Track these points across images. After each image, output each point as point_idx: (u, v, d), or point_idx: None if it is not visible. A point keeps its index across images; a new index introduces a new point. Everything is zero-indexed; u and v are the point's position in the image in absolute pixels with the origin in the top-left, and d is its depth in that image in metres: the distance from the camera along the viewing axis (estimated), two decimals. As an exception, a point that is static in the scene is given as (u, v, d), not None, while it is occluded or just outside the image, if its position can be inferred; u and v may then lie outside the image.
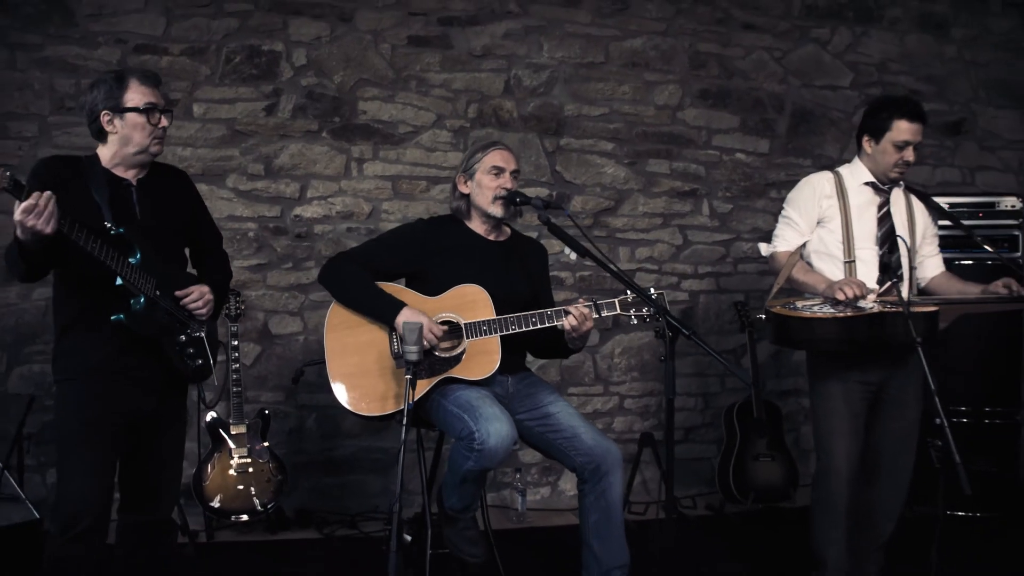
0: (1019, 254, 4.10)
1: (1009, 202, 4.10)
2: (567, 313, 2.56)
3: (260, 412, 3.73)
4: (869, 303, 2.61)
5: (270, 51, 4.01)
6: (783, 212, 2.91)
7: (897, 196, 2.86)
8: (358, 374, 2.59)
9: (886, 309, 2.56)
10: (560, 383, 4.29)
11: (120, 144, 2.36)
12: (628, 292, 2.58)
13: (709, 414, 4.50)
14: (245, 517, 3.57)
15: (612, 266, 2.46)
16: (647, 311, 2.57)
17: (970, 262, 4.08)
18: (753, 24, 4.65)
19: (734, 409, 4.10)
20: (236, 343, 3.64)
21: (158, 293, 2.32)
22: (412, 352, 2.33)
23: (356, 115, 4.11)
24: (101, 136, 2.38)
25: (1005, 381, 4.13)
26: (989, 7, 5.15)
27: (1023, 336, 4.18)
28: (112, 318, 2.23)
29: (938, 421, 2.30)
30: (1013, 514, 4.01)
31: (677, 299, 4.49)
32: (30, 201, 2.01)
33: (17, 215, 2.03)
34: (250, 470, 3.61)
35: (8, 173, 2.01)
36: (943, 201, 4.13)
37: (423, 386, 2.55)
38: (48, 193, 2.04)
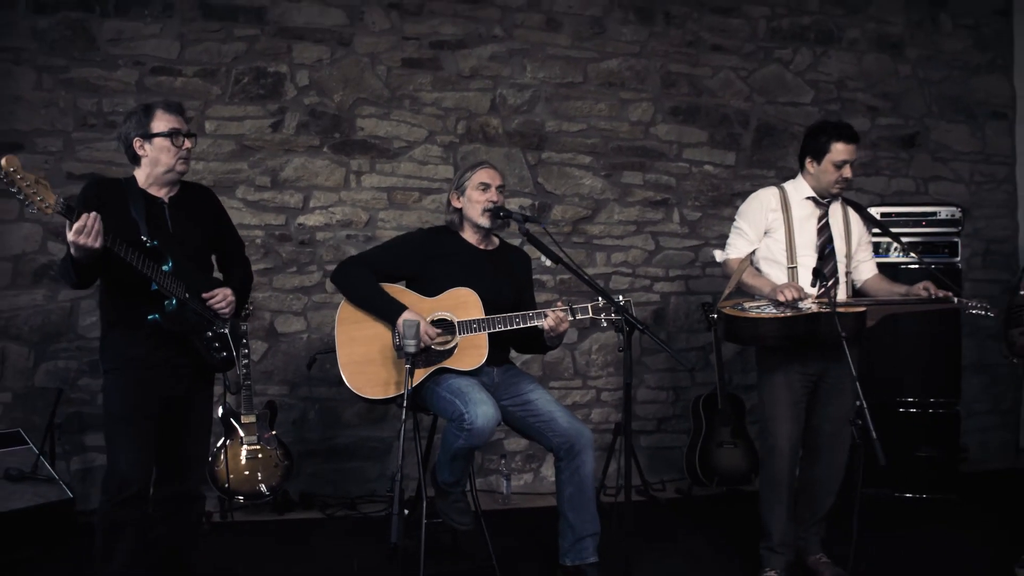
0: (958, 259, 4.47)
1: (949, 211, 4.48)
2: (546, 315, 2.94)
3: (268, 404, 4.07)
4: (807, 304, 2.99)
5: (275, 73, 4.34)
6: (735, 223, 3.28)
7: (835, 209, 3.23)
8: (364, 362, 2.96)
9: (820, 310, 2.94)
10: (542, 377, 4.64)
11: (151, 166, 2.69)
12: (600, 298, 2.94)
13: (679, 406, 4.86)
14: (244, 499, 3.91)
15: (581, 273, 2.83)
16: (615, 314, 2.92)
17: (916, 266, 4.46)
18: (721, 46, 5.01)
19: (700, 401, 4.48)
20: (246, 341, 3.98)
21: (187, 296, 2.66)
22: (411, 345, 2.69)
23: (354, 131, 4.44)
24: (136, 160, 2.71)
25: (948, 376, 4.50)
26: (941, 28, 5.52)
27: (962, 336, 4.57)
28: (148, 318, 2.58)
29: (859, 403, 2.65)
30: (955, 495, 4.37)
31: (650, 300, 4.85)
32: (80, 222, 2.33)
33: (70, 236, 2.34)
34: (259, 456, 3.95)
35: (62, 199, 2.34)
36: (892, 210, 4.57)
37: (420, 374, 2.92)
38: (95, 214, 2.36)
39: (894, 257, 4.39)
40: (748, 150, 5.03)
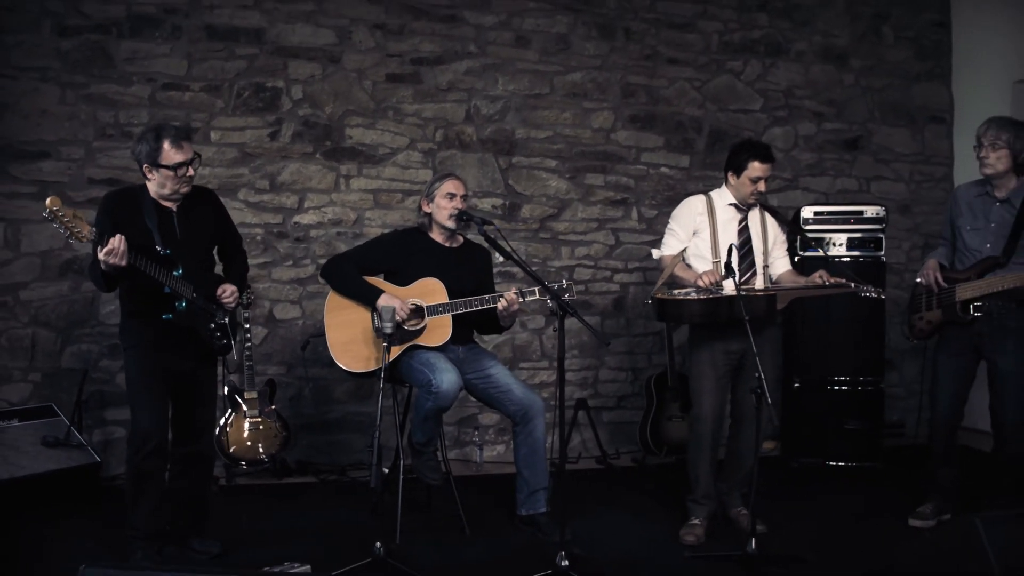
0: (882, 253, 4.99)
1: (874, 210, 4.99)
2: (500, 298, 3.48)
3: (268, 382, 4.60)
4: (727, 290, 3.51)
5: (273, 87, 4.83)
6: (668, 225, 3.81)
7: (754, 214, 3.76)
8: (349, 342, 3.51)
9: (736, 293, 3.47)
10: (512, 359, 5.17)
11: (157, 187, 3.17)
12: (548, 283, 3.48)
13: (638, 385, 5.38)
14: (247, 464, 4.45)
15: (526, 266, 3.34)
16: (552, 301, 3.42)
17: (848, 259, 4.98)
18: (676, 59, 5.49)
19: (652, 379, 5.01)
20: (248, 327, 4.50)
21: (195, 295, 3.17)
22: (388, 326, 3.22)
23: (344, 140, 4.94)
24: (146, 177, 3.19)
25: (874, 355, 5.03)
26: (884, 40, 5.99)
27: (885, 320, 5.10)
28: (163, 317, 3.09)
29: (757, 375, 3.18)
30: (879, 463, 4.91)
31: (610, 290, 5.38)
32: (109, 246, 2.84)
33: (101, 255, 2.85)
34: (260, 428, 4.47)
35: (95, 229, 2.85)
36: (824, 209, 5.07)
37: (396, 351, 3.46)
38: (120, 238, 2.85)
39: (835, 251, 4.93)
40: (701, 154, 5.52)
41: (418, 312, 3.51)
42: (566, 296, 3.42)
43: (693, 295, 3.50)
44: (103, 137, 4.61)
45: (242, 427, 4.44)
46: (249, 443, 4.44)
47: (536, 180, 5.24)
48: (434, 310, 3.51)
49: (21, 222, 4.49)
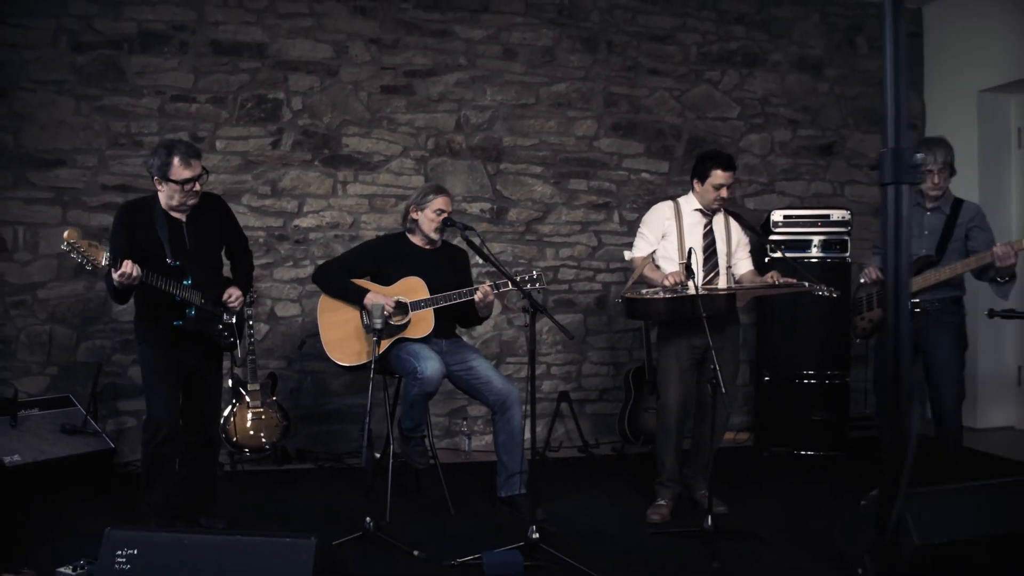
0: (847, 254, 5.29)
1: (840, 214, 5.30)
2: (476, 290, 3.79)
3: (269, 375, 4.92)
4: (691, 289, 3.81)
5: (274, 99, 5.15)
6: (639, 229, 4.11)
7: (719, 218, 4.06)
8: (342, 339, 3.83)
9: (698, 292, 3.77)
10: (500, 354, 5.49)
11: (166, 198, 3.46)
12: (520, 277, 3.79)
13: (619, 379, 5.69)
14: (252, 452, 4.78)
15: (500, 267, 3.62)
16: (528, 288, 3.70)
17: (815, 260, 5.30)
18: (657, 69, 5.79)
19: (631, 373, 5.32)
20: (251, 323, 4.81)
21: (203, 301, 3.47)
22: (377, 322, 3.53)
23: (341, 148, 5.25)
24: (156, 188, 3.48)
25: (839, 351, 5.34)
26: (858, 50, 6.28)
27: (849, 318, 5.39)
28: (174, 323, 3.40)
29: (712, 367, 3.48)
30: (842, 453, 5.22)
31: (593, 289, 5.69)
32: (122, 270, 3.14)
33: (115, 277, 3.15)
34: (262, 418, 4.78)
35: (109, 255, 3.15)
36: (793, 213, 5.38)
37: (384, 344, 3.78)
38: (131, 263, 3.13)
39: (807, 252, 5.24)
40: (680, 159, 5.81)
41: (402, 308, 3.83)
42: (536, 285, 3.74)
43: (660, 294, 3.81)
44: (115, 146, 4.92)
45: (246, 417, 4.75)
46: (252, 432, 4.75)
47: (522, 185, 5.54)
48: (416, 305, 3.84)
49: (39, 226, 4.81)
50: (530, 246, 5.53)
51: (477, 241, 3.72)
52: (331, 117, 5.22)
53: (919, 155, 3.62)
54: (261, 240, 5.13)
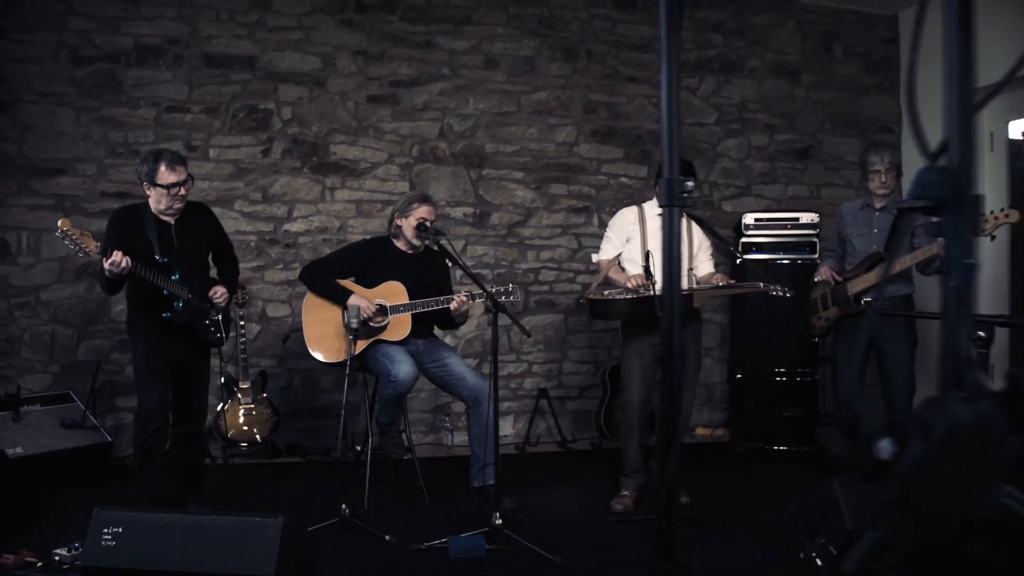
0: (816, 255, 5.49)
1: (809, 217, 5.50)
2: (451, 299, 4.01)
3: (260, 372, 5.14)
4: (651, 290, 4.02)
5: (265, 109, 5.38)
6: (605, 232, 4.32)
7: (681, 222, 4.26)
8: (323, 337, 4.05)
9: (658, 293, 3.98)
10: (482, 352, 5.70)
11: (155, 203, 3.70)
12: (494, 286, 4.01)
13: (598, 377, 5.89)
14: (245, 446, 5.01)
15: (469, 271, 3.83)
16: (501, 297, 3.92)
17: (787, 262, 5.50)
18: (635, 77, 5.99)
19: (607, 371, 5.53)
20: (243, 323, 5.04)
21: (190, 296, 3.71)
22: (354, 323, 3.76)
23: (329, 155, 5.47)
24: (146, 194, 3.72)
25: (809, 350, 5.54)
26: (834, 56, 6.46)
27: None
28: (163, 315, 3.64)
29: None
30: (812, 446, 5.41)
31: (572, 290, 5.89)
32: (112, 259, 3.37)
33: (106, 265, 3.38)
34: (253, 413, 5.01)
35: (99, 245, 3.38)
36: (764, 216, 5.58)
37: (362, 344, 4.01)
38: (119, 252, 3.36)
39: (780, 255, 5.45)
40: (658, 164, 6.00)
41: (382, 311, 4.05)
42: (511, 298, 3.95)
43: (621, 295, 4.02)
44: (113, 155, 5.16)
45: (237, 413, 4.98)
46: (244, 427, 4.98)
47: (504, 190, 5.76)
48: (395, 309, 4.06)
49: (42, 231, 5.06)
50: (512, 249, 5.75)
51: (449, 248, 3.93)
52: (319, 126, 5.45)
53: (871, 157, 3.87)
54: (252, 244, 5.36)
